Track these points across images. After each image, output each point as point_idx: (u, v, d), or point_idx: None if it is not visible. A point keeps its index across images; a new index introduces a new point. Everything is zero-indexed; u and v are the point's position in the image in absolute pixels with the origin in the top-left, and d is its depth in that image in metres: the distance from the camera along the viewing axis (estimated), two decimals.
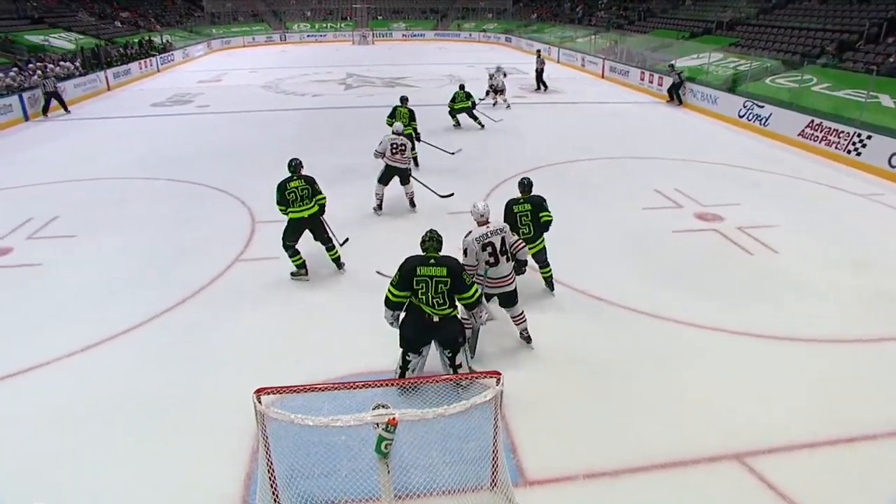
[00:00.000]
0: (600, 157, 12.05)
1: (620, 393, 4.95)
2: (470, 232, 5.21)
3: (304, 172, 6.70)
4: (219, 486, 4.03)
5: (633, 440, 4.43)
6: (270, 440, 3.50)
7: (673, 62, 18.72)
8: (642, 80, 20.26)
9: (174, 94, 20.33)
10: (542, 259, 6.43)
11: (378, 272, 5.90)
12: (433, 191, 8.66)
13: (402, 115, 10.57)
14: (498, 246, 5.17)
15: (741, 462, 4.20)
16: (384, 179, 8.65)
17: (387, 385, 3.52)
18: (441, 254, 4.53)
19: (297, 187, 6.50)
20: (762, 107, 14.28)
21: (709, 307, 6.20)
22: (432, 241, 4.52)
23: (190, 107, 18.13)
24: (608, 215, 8.83)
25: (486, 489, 3.89)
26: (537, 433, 4.48)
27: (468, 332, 5.03)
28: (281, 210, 6.65)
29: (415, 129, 10.83)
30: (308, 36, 43.97)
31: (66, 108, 17.08)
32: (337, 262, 6.96)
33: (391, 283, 4.52)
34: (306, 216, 6.59)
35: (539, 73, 20.08)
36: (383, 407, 3.16)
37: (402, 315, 4.60)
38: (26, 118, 16.22)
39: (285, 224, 6.66)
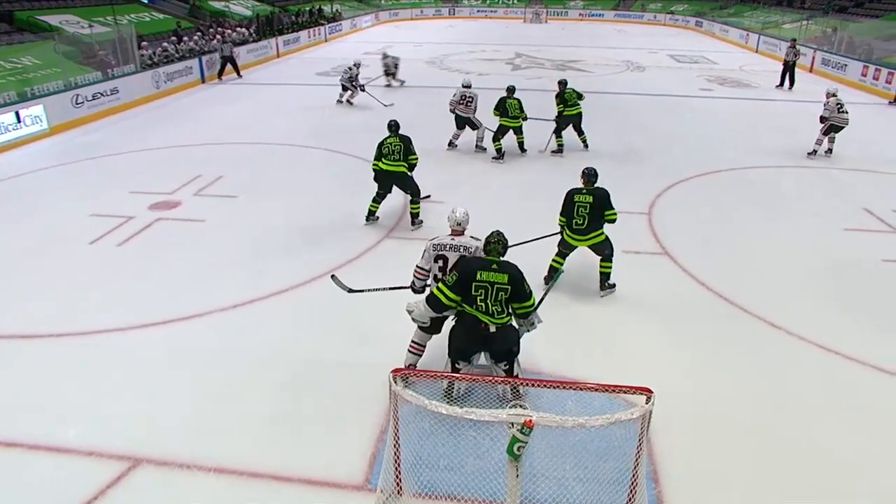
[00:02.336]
0: (797, 164, 11.11)
1: (797, 439, 4.59)
2: (436, 236, 5.10)
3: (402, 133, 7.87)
4: (345, 459, 4.36)
5: (800, 492, 4.11)
6: (401, 423, 3.71)
7: None
8: (864, 75, 18.27)
9: (339, 64, 21.75)
10: (604, 251, 6.41)
11: (333, 277, 5.46)
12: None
13: (513, 107, 10.92)
14: (450, 263, 4.91)
15: None
16: (458, 125, 11.36)
17: (528, 384, 3.57)
18: (504, 259, 4.46)
19: (391, 143, 7.72)
20: None
21: None
22: (498, 243, 4.42)
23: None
24: (800, 233, 8.14)
25: None
26: (687, 464, 4.30)
27: None
28: (374, 165, 7.85)
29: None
30: (478, 11, 44.88)
31: (238, 73, 19.00)
32: (414, 216, 8.05)
33: (445, 284, 4.42)
34: (386, 169, 7.78)
35: (791, 66, 18.33)
36: (521, 407, 3.22)
37: (453, 323, 4.54)
38: (203, 80, 18.30)
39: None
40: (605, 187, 6.28)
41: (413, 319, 4.76)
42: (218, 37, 20.14)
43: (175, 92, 16.86)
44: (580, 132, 11.60)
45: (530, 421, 3.14)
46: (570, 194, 6.30)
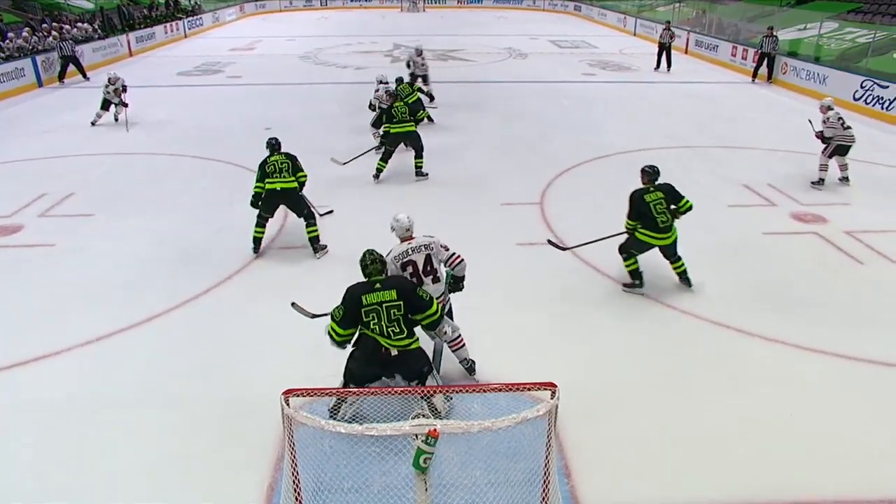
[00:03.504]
0: (679, 145, 11.85)
1: (697, 418, 4.87)
2: (390, 251, 5.07)
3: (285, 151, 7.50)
4: (241, 494, 4.18)
5: (709, 475, 4.34)
6: (297, 448, 3.60)
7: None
8: (734, 55, 19.80)
9: (203, 63, 20.94)
10: (673, 252, 6.60)
11: (293, 305, 5.35)
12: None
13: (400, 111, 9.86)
14: (420, 265, 5.04)
15: None
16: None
17: (430, 392, 3.57)
18: (388, 275, 4.56)
19: (276, 161, 7.34)
20: (886, 87, 13.71)
21: (806, 325, 6.04)
22: (375, 262, 4.44)
23: (220, 77, 18.67)
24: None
25: None
26: (597, 456, 4.47)
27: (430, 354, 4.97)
28: (258, 187, 7.35)
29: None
30: (352, 1, 44.55)
31: (84, 75, 17.81)
32: (314, 241, 7.47)
33: (333, 319, 4.40)
34: (279, 188, 7.27)
35: (667, 48, 19.18)
36: (424, 416, 3.21)
37: (351, 347, 4.52)
38: (40, 84, 16.99)
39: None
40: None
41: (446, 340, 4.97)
42: (54, 33, 18.79)
43: (5, 97, 15.54)
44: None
45: (434, 430, 3.13)
46: (639, 195, 6.35)
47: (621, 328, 6.05)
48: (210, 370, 5.39)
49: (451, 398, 4.67)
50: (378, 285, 4.37)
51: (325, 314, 4.76)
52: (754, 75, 17.74)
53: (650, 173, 6.45)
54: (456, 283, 5.36)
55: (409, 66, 14.55)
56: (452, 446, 3.53)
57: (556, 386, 3.56)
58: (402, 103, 9.93)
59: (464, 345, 5.17)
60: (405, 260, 5.02)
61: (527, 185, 9.47)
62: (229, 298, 6.50)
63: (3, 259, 7.42)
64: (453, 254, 5.20)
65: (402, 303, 4.34)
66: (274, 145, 7.52)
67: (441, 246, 5.17)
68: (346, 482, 3.98)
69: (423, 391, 3.67)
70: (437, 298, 4.83)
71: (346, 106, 14.28)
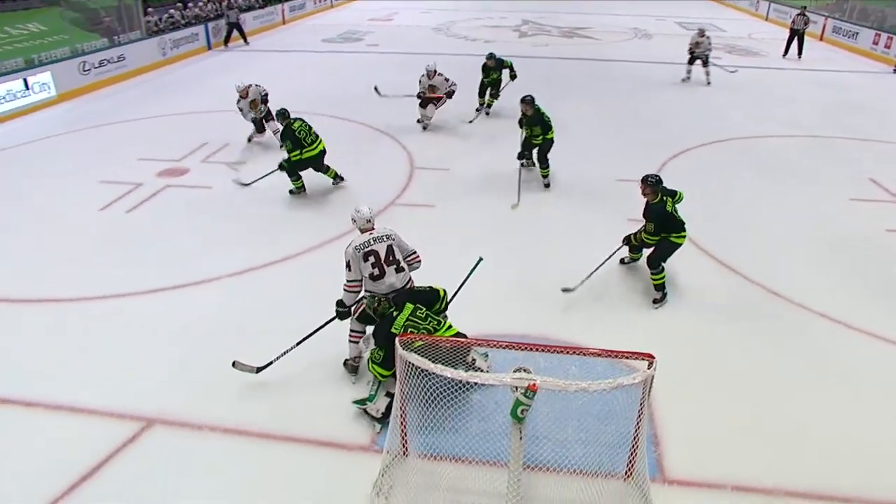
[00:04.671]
0: (804, 134, 10.98)
1: (796, 408, 4.63)
2: (351, 242, 4.81)
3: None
4: (353, 421, 4.43)
5: (796, 462, 4.16)
6: (406, 388, 3.76)
7: None
8: (875, 44, 17.93)
9: (346, 31, 21.49)
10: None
11: (235, 364, 4.80)
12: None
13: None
14: (382, 255, 4.71)
15: None
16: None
17: (531, 349, 3.59)
18: (390, 302, 4.48)
19: (300, 126, 7.66)
20: None
21: None
22: (381, 303, 4.40)
23: (360, 45, 19.11)
24: (806, 203, 8.08)
25: (619, 478, 3.90)
26: (687, 430, 4.37)
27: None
28: (295, 156, 7.67)
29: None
30: None
31: (245, 40, 18.77)
32: (335, 176, 8.22)
33: (374, 363, 4.35)
34: (316, 153, 7.81)
35: (800, 34, 17.47)
36: (525, 371, 3.25)
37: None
38: (209, 47, 18.08)
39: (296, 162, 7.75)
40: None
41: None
42: (224, 3, 19.84)
43: (181, 59, 16.68)
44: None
45: (534, 385, 3.18)
46: (663, 210, 5.68)
47: (723, 311, 5.79)
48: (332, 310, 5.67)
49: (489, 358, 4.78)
50: (395, 312, 4.36)
51: (273, 361, 4.74)
52: None
53: (654, 184, 5.69)
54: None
55: (420, 95, 10.75)
56: (549, 403, 3.55)
57: (653, 357, 3.51)
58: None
59: None
60: (367, 250, 4.71)
61: (642, 163, 9.10)
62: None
63: (173, 197, 8.11)
64: (413, 252, 4.97)
65: (424, 308, 4.42)
66: (284, 113, 7.81)
67: (405, 242, 4.93)
68: (448, 423, 4.10)
69: (524, 346, 3.69)
70: (403, 285, 4.76)
71: (471, 76, 14.22)
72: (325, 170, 8.11)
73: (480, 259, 5.21)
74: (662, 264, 5.87)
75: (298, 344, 4.81)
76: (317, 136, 7.88)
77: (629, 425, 3.73)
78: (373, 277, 4.70)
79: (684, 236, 5.86)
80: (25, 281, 6.20)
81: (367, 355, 4.59)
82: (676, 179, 8.64)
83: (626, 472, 3.89)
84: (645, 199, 5.78)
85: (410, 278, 4.91)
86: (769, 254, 6.75)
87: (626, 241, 6.07)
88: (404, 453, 4.02)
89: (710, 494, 3.93)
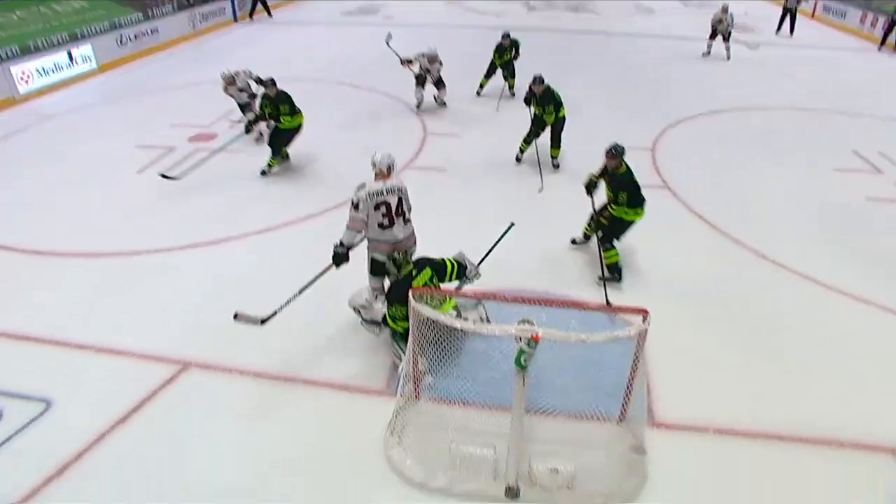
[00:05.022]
0: (793, 107, 10.70)
1: (779, 360, 4.65)
2: (364, 185, 4.55)
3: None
4: (369, 367, 4.47)
5: (776, 407, 4.18)
6: (417, 337, 3.77)
7: None
8: (862, 22, 17.34)
9: (363, 4, 20.97)
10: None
11: (235, 316, 4.48)
12: None
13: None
14: (394, 206, 4.51)
15: None
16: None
17: (535, 304, 3.58)
18: (413, 259, 4.39)
19: (282, 95, 7.39)
20: None
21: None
22: (404, 261, 4.29)
23: (376, 17, 18.66)
24: (793, 172, 7.93)
25: (613, 421, 3.92)
26: (675, 378, 4.39)
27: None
28: (286, 120, 7.39)
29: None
30: None
31: (269, 12, 18.36)
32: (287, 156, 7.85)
33: (394, 320, 4.22)
34: (299, 124, 7.58)
35: (792, 12, 16.73)
36: (528, 323, 3.24)
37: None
38: (235, 20, 17.71)
39: (280, 131, 7.47)
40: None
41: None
42: None
43: (210, 31, 16.34)
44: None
45: (537, 335, 3.17)
46: (630, 175, 5.29)
47: (714, 271, 5.75)
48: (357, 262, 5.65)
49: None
50: (414, 272, 4.25)
51: (276, 312, 4.50)
52: (882, 43, 15.51)
53: (621, 153, 5.22)
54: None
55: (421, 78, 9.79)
56: (550, 352, 3.54)
57: (647, 312, 3.49)
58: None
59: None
60: (379, 200, 4.48)
61: (640, 131, 8.93)
62: None
63: (203, 161, 8.02)
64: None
65: (436, 275, 4.29)
66: (271, 82, 7.36)
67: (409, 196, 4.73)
68: (456, 371, 4.12)
69: (528, 300, 3.67)
70: (405, 239, 4.62)
71: (483, 47, 13.88)
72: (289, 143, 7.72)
73: (512, 224, 4.92)
74: (616, 242, 5.44)
75: (301, 292, 4.60)
76: (299, 109, 7.59)
77: (624, 374, 3.74)
78: (381, 227, 4.53)
79: (641, 214, 5.37)
80: (72, 236, 6.23)
81: (383, 309, 4.55)
82: (675, 145, 8.59)
83: (619, 416, 3.92)
84: (610, 171, 5.32)
85: (413, 231, 4.74)
86: (757, 218, 6.66)
87: (597, 224, 5.45)
88: (416, 397, 4.05)
89: (695, 437, 3.97)
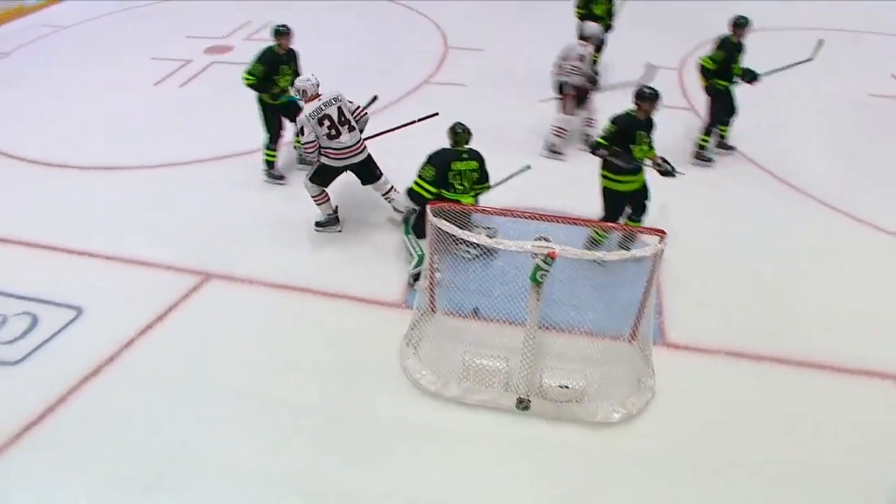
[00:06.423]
0: (821, 27, 10.05)
1: (788, 284, 4.64)
2: (303, 111, 4.69)
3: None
4: (387, 280, 4.58)
5: (785, 332, 4.22)
6: (435, 251, 3.81)
7: None
8: None
9: None
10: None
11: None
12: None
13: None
14: (335, 116, 4.70)
15: None
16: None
17: (553, 221, 3.58)
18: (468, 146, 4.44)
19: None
20: None
21: None
22: (465, 132, 4.37)
23: None
24: (825, 96, 7.57)
25: (624, 339, 4.00)
26: (688, 302, 4.42)
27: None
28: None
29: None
30: None
31: None
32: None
33: (424, 179, 4.31)
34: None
35: None
36: (545, 240, 3.25)
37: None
38: None
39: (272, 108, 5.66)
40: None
41: (396, 209, 4.84)
42: None
43: None
44: None
45: (553, 252, 3.19)
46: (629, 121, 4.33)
47: (734, 193, 5.66)
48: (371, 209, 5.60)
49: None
50: (465, 154, 4.38)
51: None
52: None
53: (652, 97, 4.26)
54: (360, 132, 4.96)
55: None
56: (565, 270, 3.58)
57: (664, 233, 3.48)
58: None
59: (395, 192, 5.09)
60: (321, 115, 4.67)
61: (667, 50, 8.50)
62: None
63: (219, 72, 7.94)
64: (358, 107, 4.98)
65: (478, 172, 4.44)
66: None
67: (348, 100, 4.87)
68: (472, 285, 4.19)
69: (546, 217, 3.66)
70: (354, 145, 4.82)
71: None
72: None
73: (528, 167, 4.73)
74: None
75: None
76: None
77: (637, 294, 3.78)
78: (329, 137, 4.73)
79: (629, 181, 4.43)
80: (93, 149, 6.28)
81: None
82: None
83: (630, 335, 3.99)
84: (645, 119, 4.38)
85: (362, 138, 4.94)
86: (784, 143, 6.46)
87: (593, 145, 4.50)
88: (432, 310, 4.15)
89: (705, 357, 4.04)
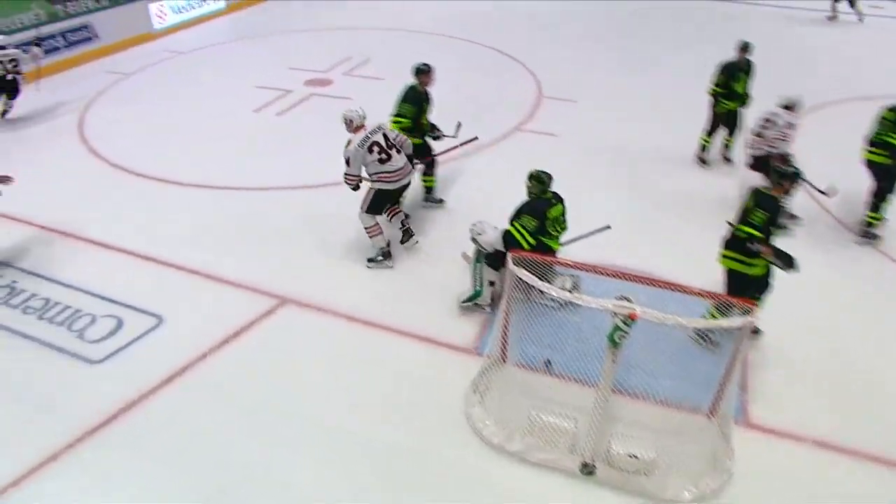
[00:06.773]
0: None
1: (889, 374, 4.24)
2: (349, 142, 4.88)
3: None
4: (460, 325, 4.55)
5: (879, 429, 3.83)
6: (511, 301, 3.74)
7: None
8: None
9: None
10: None
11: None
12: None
13: None
14: (383, 142, 4.90)
15: None
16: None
17: (635, 281, 3.45)
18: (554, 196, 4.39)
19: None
20: None
21: None
22: (551, 179, 4.30)
23: None
24: None
25: (702, 414, 3.76)
26: (777, 382, 4.12)
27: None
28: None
29: None
30: None
31: None
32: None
33: (525, 229, 4.19)
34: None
35: None
36: (627, 300, 3.14)
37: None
38: None
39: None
40: None
41: (474, 240, 4.50)
42: None
43: None
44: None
45: (635, 313, 3.06)
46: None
47: (834, 271, 5.26)
48: (451, 220, 5.68)
49: None
50: (553, 200, 4.34)
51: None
52: None
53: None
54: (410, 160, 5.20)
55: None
56: (645, 333, 3.42)
57: (755, 304, 3.29)
58: None
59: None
60: (369, 143, 4.85)
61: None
62: (472, 167, 6.67)
63: (317, 104, 8.32)
64: (398, 134, 5.14)
65: (564, 215, 4.44)
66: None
67: (389, 129, 5.08)
68: (546, 339, 4.07)
69: (628, 276, 3.52)
70: (405, 166, 5.04)
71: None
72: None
73: (607, 227, 4.67)
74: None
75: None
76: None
77: (720, 367, 3.55)
78: (381, 162, 4.90)
79: (761, 264, 4.03)
80: (191, 167, 6.67)
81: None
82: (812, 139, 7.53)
83: (710, 410, 3.75)
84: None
85: (407, 161, 5.11)
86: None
87: None
88: (503, 360, 4.06)
89: (789, 443, 3.72)
